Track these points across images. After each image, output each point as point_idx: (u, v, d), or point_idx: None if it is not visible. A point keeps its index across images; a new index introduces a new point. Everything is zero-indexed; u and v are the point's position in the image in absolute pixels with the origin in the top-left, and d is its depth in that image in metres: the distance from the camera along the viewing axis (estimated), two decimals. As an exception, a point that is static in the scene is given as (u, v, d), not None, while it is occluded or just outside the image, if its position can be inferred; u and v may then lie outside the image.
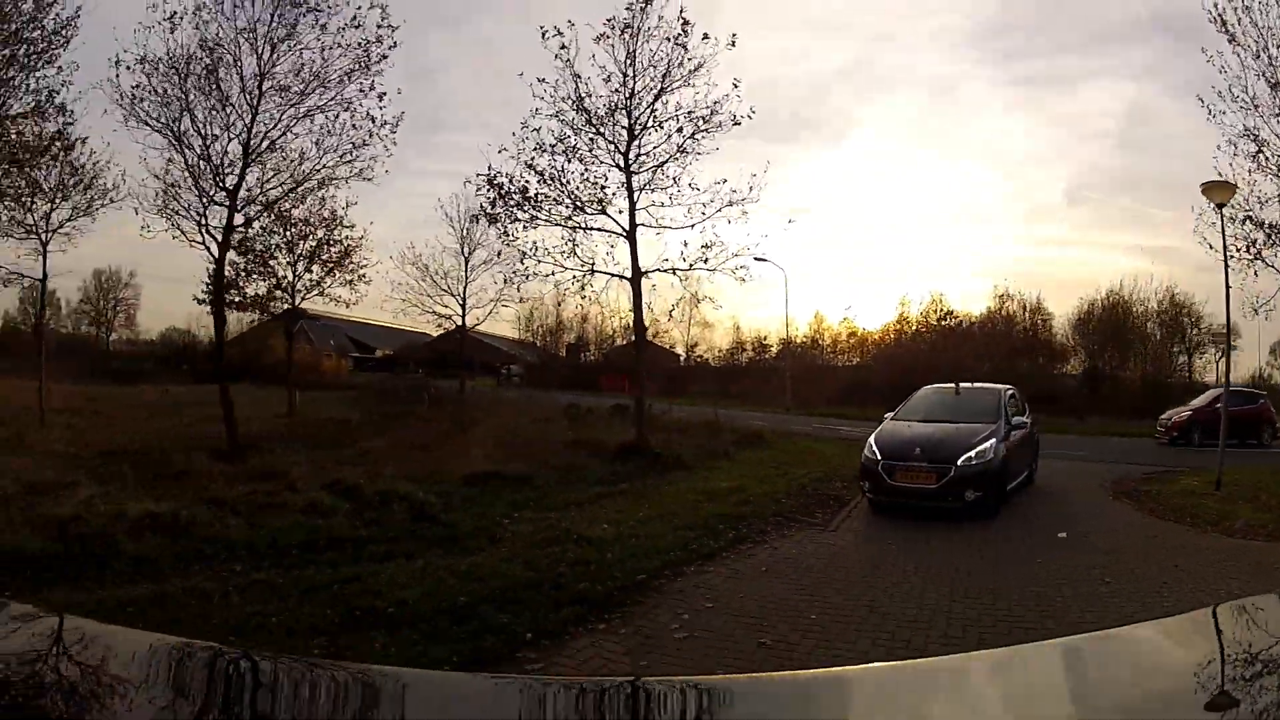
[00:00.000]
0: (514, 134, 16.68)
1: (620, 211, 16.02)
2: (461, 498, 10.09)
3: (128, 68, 14.55)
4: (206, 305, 17.31)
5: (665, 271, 16.48)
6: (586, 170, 16.01)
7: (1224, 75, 13.50)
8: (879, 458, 11.09)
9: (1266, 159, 13.47)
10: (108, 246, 48.94)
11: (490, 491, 10.60)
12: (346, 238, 21.30)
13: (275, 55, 15.02)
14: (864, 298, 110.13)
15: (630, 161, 15.76)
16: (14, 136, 14.91)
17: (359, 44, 15.19)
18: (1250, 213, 13.91)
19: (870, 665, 1.54)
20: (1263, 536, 9.70)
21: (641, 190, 15.88)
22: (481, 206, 17.28)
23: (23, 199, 17.15)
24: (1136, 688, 1.28)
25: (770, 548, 8.65)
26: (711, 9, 67.54)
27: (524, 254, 16.76)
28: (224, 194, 15.19)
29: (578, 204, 16.02)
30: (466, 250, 30.57)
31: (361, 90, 15.45)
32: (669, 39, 15.36)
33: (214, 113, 15.04)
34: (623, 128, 15.75)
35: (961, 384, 13.43)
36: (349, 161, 16.03)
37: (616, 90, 15.62)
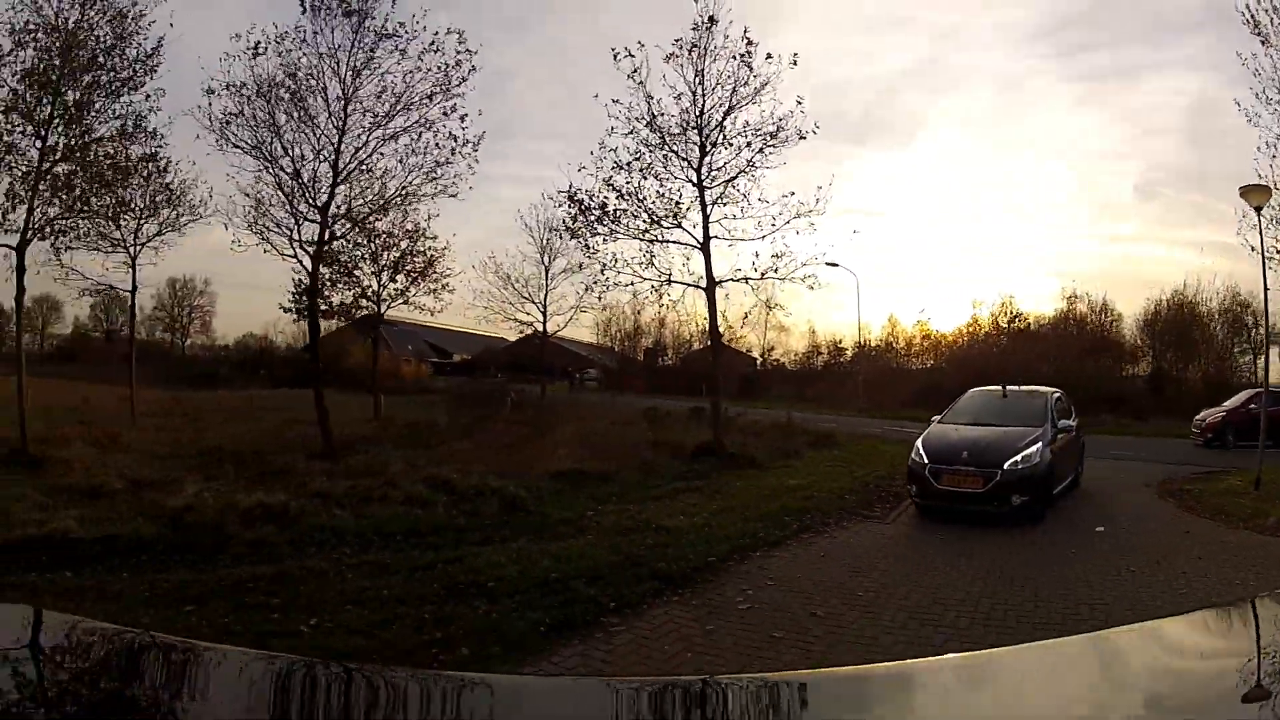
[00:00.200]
0: (591, 152, 17.57)
1: (694, 224, 16.88)
2: (549, 492, 10.96)
3: (215, 94, 15.59)
4: (292, 313, 18.60)
5: (738, 281, 17.31)
6: (662, 186, 16.85)
7: (1258, 78, 13.74)
8: (926, 461, 11.14)
9: None
10: (181, 256, 51.01)
11: (575, 487, 11.49)
12: (430, 248, 21.94)
13: (358, 80, 15.85)
14: (937, 298, 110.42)
15: (702, 177, 16.58)
16: (102, 158, 15.73)
17: (438, 68, 15.95)
18: None
19: (870, 665, 1.49)
20: (1291, 533, 10.19)
21: (714, 204, 16.69)
22: (564, 222, 18.40)
23: (112, 216, 18.04)
24: (1136, 687, 1.28)
25: (830, 537, 9.56)
26: (775, 12, 68.18)
27: (604, 265, 17.74)
28: (315, 211, 16.12)
29: (654, 218, 16.88)
30: (547, 259, 31.68)
31: (444, 112, 16.20)
32: (735, 57, 16.17)
33: (302, 135, 15.89)
34: (694, 144, 16.55)
35: (1009, 387, 13.42)
36: (434, 179, 16.78)
37: (687, 109, 16.48)
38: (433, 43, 15.87)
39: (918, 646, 5.83)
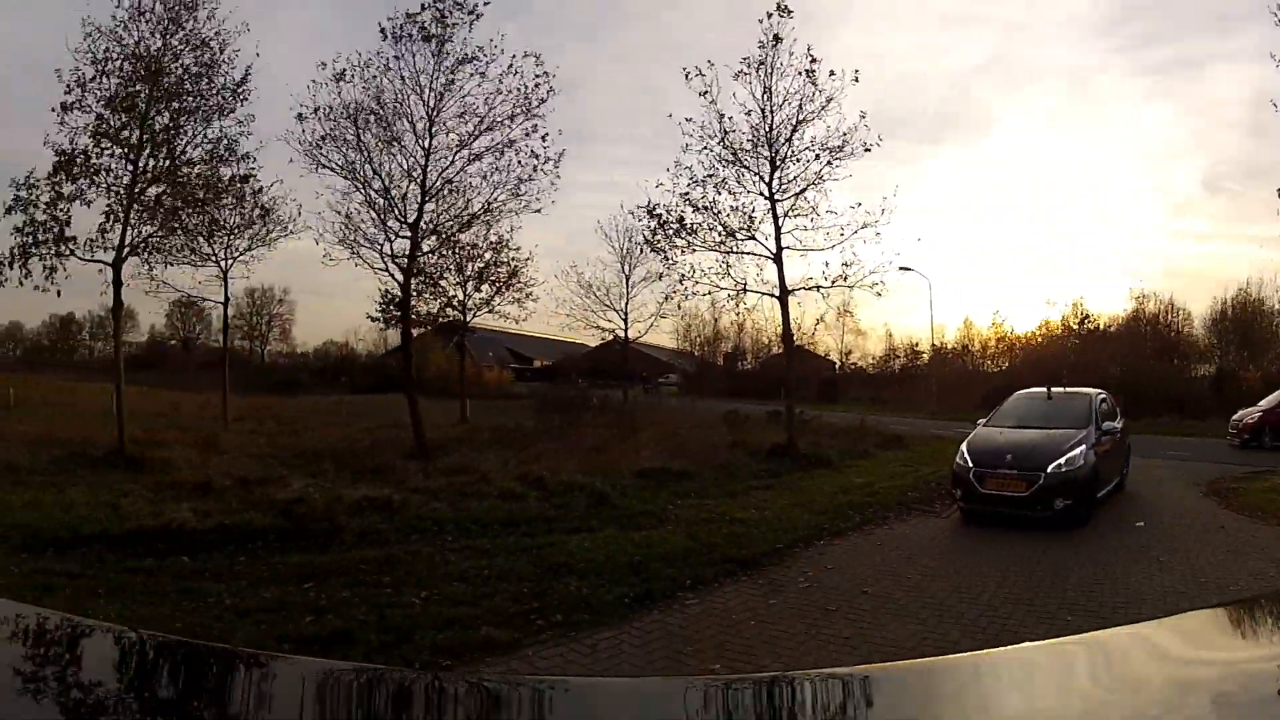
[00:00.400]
0: (668, 169, 18.46)
1: (767, 236, 17.74)
2: (633, 489, 11.90)
3: (304, 119, 16.69)
4: (379, 322, 19.43)
5: (809, 289, 18.14)
6: (735, 200, 17.76)
7: None
8: (970, 465, 11.13)
9: None
10: (258, 265, 52.84)
11: (657, 484, 12.41)
12: (513, 259, 22.65)
13: (441, 103, 16.76)
14: (1010, 297, 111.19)
15: (774, 190, 17.45)
16: (194, 179, 16.64)
17: (518, 89, 16.81)
18: None
19: (870, 665, 1.55)
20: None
21: (785, 216, 17.55)
22: (644, 235, 19.55)
23: (205, 234, 19.19)
24: (1136, 687, 1.28)
25: (888, 529, 10.51)
26: (844, 11, 68.32)
27: (682, 276, 18.74)
28: (405, 227, 17.12)
29: (729, 231, 17.79)
30: (627, 268, 32.58)
31: (526, 132, 17.06)
32: (800, 73, 17.00)
33: (390, 156, 16.89)
34: (765, 159, 17.43)
35: (1054, 389, 13.33)
36: (517, 195, 17.66)
37: (757, 125, 17.38)
38: (511, 65, 16.75)
39: (949, 619, 6.73)
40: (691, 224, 17.99)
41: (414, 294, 18.36)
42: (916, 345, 54.89)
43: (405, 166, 16.94)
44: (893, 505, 11.80)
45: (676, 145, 18.00)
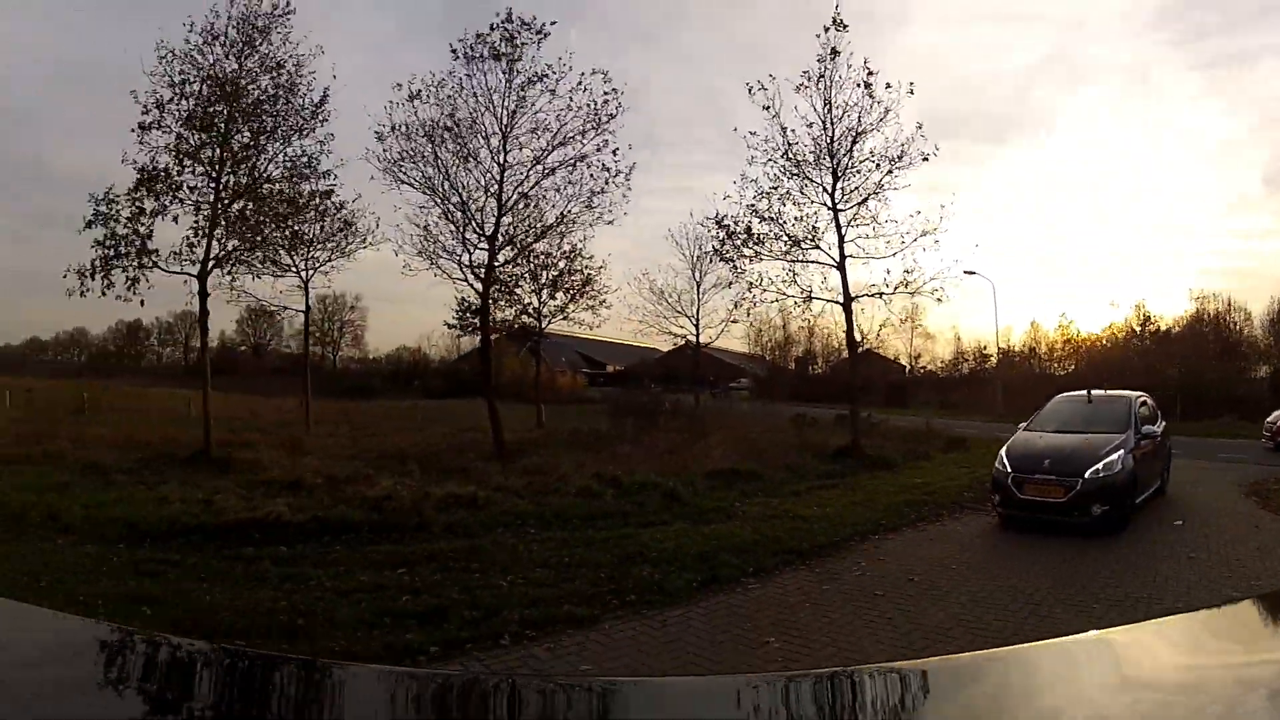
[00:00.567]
0: (734, 182, 19.15)
1: (830, 245, 18.45)
2: (703, 488, 12.66)
3: (383, 139, 17.37)
4: (456, 329, 20.60)
5: (872, 296, 18.82)
6: (800, 211, 18.50)
7: None
8: (1008, 470, 11.24)
9: None
10: (336, 275, 54.04)
11: (727, 484, 13.19)
12: (586, 267, 23.20)
13: (514, 120, 17.37)
14: (1076, 298, 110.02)
15: (836, 201, 18.12)
16: (275, 195, 17.39)
17: (587, 105, 17.40)
18: None
19: (870, 665, 1.49)
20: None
21: (848, 225, 18.20)
22: (713, 246, 20.37)
23: (286, 247, 19.82)
24: (1137, 687, 1.27)
25: (940, 525, 11.31)
26: (904, 10, 68.08)
27: (751, 284, 19.60)
28: (483, 240, 17.84)
29: (794, 240, 18.54)
30: (698, 274, 33.21)
31: (597, 147, 17.65)
32: (858, 85, 17.63)
33: (467, 171, 17.53)
34: (827, 169, 18.08)
35: (1094, 391, 13.35)
36: (590, 208, 18.25)
37: (818, 137, 18.06)
38: (580, 82, 17.33)
39: (984, 604, 7.48)
40: (758, 234, 18.76)
41: (489, 301, 19.11)
42: (984, 348, 55.18)
43: (482, 181, 17.59)
44: (947, 504, 12.53)
45: (742, 149, 18.65)
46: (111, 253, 15.55)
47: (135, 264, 15.63)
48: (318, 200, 18.81)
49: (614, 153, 17.80)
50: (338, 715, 1.24)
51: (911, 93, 17.80)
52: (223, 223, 16.36)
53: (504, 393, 30.23)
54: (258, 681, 1.33)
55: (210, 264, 16.24)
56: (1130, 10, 79.27)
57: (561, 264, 22.26)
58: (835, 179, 18.02)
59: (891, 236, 17.89)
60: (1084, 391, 13.51)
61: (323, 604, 6.74)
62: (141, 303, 16.05)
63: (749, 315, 24.50)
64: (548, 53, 18.26)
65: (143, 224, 15.75)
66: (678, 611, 7.00)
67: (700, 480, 13.13)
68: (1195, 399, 34.94)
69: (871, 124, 17.59)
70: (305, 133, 17.20)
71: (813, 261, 18.67)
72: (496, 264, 18.29)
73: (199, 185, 16.15)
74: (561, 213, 18.36)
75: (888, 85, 17.58)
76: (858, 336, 19.47)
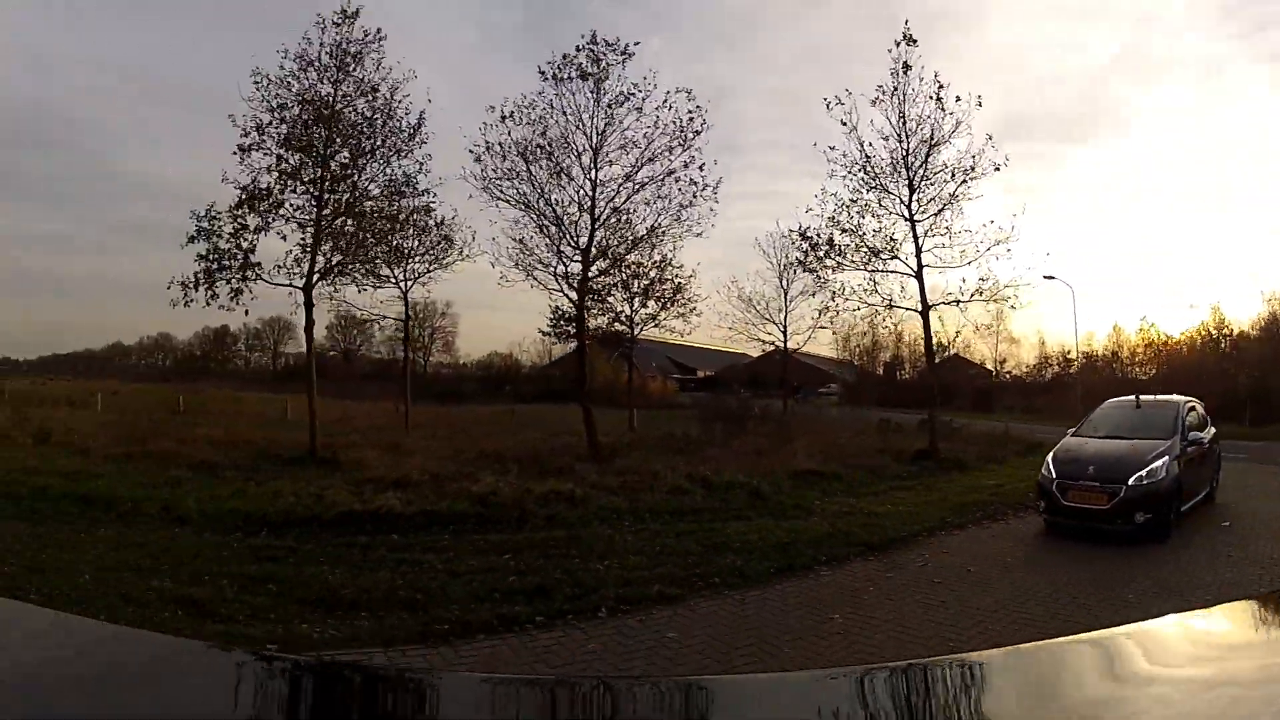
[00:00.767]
0: (816, 195, 20.02)
1: (908, 255, 19.16)
2: (787, 487, 13.49)
3: (480, 160, 18.08)
4: (551, 336, 21.61)
5: (949, 304, 19.48)
6: (879, 223, 19.25)
7: None
8: (1054, 476, 11.30)
9: None
10: (432, 285, 55.38)
11: (808, 483, 14.03)
12: (676, 276, 23.44)
13: (603, 137, 18.00)
14: (1156, 300, 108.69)
15: (913, 212, 18.80)
16: (375, 212, 18.30)
17: (673, 122, 17.99)
18: None
19: (870, 665, 1.36)
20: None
21: (924, 236, 18.88)
22: (797, 257, 21.33)
23: (388, 260, 20.85)
24: (1137, 687, 1.28)
25: (1004, 523, 12.14)
26: (979, 8, 67.24)
27: (834, 293, 20.54)
28: (578, 252, 18.58)
29: (874, 251, 19.29)
30: (785, 282, 33.77)
31: (684, 163, 18.20)
32: (930, 98, 18.29)
33: (560, 188, 18.22)
34: (904, 182, 18.75)
35: (1142, 396, 13.36)
36: (679, 220, 18.87)
37: (894, 149, 18.75)
38: (665, 100, 17.95)
39: (1028, 591, 8.40)
40: (839, 245, 19.52)
41: (584, 310, 19.88)
42: (1068, 353, 54.98)
43: (575, 196, 18.25)
44: (1013, 504, 13.36)
45: (823, 154, 19.31)
46: (215, 266, 16.39)
47: (239, 276, 16.51)
48: (416, 217, 19.95)
49: (700, 168, 18.33)
50: (338, 715, 1.28)
51: (980, 104, 18.37)
52: (327, 238, 17.36)
53: (596, 398, 30.68)
54: (257, 681, 1.33)
55: (315, 277, 17.15)
56: (1196, 2, 77.10)
57: (653, 274, 22.67)
58: (911, 191, 18.64)
59: (966, 246, 18.49)
60: (1132, 397, 13.56)
61: (436, 583, 7.61)
62: (246, 312, 16.95)
63: (832, 323, 25.13)
64: (633, 71, 19.03)
65: (245, 239, 16.65)
66: (755, 592, 7.99)
67: (785, 480, 14.03)
68: (1266, 404, 34.84)
69: (944, 136, 18.22)
70: (404, 154, 18.13)
71: (892, 271, 19.39)
72: (590, 275, 18.86)
73: (302, 204, 17.07)
74: (651, 225, 19.01)
75: (958, 98, 18.21)
76: (937, 344, 20.13)
